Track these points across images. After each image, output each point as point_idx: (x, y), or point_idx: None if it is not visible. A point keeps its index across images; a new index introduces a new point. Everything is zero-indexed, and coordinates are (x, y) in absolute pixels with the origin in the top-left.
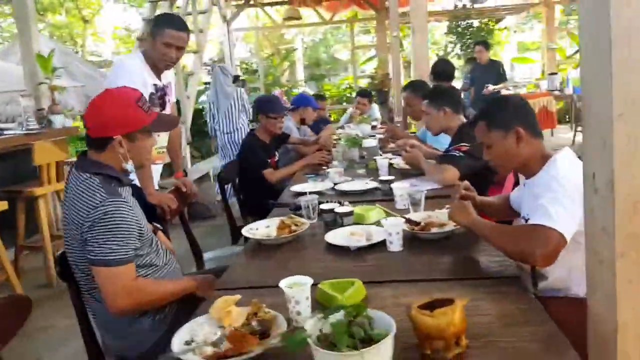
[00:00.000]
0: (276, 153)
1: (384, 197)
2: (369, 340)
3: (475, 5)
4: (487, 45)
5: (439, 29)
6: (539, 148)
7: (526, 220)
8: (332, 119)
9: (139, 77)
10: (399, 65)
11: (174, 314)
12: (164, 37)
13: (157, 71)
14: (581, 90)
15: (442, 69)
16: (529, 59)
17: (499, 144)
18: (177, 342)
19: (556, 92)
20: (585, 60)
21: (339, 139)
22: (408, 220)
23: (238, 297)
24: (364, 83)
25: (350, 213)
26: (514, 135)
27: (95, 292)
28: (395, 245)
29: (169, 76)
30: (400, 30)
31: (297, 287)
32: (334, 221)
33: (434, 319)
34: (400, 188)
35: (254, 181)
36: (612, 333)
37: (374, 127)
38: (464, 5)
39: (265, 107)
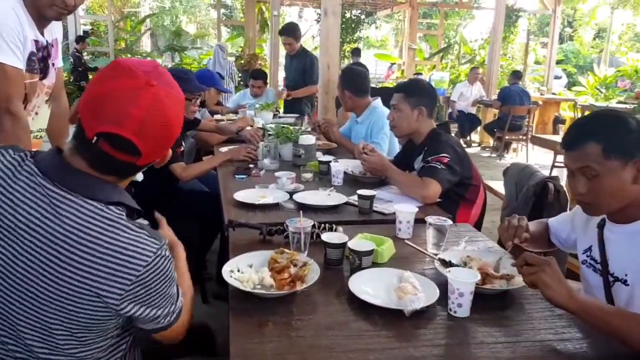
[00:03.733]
0: (183, 143)
1: (363, 217)
2: None
3: None
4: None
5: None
6: None
7: (622, 281)
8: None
9: (16, 28)
10: (278, 45)
11: None
12: None
13: (41, 22)
14: None
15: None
16: (390, 56)
17: (613, 177)
18: None
19: None
20: None
21: (266, 130)
22: (445, 263)
23: None
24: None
25: (371, 252)
26: (634, 168)
27: None
28: (465, 309)
29: (55, 30)
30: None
31: None
32: (340, 260)
33: None
34: (409, 212)
35: (153, 177)
36: None
37: (275, 116)
38: None
39: (178, 84)
